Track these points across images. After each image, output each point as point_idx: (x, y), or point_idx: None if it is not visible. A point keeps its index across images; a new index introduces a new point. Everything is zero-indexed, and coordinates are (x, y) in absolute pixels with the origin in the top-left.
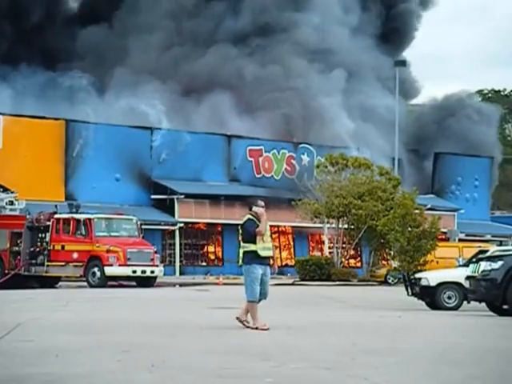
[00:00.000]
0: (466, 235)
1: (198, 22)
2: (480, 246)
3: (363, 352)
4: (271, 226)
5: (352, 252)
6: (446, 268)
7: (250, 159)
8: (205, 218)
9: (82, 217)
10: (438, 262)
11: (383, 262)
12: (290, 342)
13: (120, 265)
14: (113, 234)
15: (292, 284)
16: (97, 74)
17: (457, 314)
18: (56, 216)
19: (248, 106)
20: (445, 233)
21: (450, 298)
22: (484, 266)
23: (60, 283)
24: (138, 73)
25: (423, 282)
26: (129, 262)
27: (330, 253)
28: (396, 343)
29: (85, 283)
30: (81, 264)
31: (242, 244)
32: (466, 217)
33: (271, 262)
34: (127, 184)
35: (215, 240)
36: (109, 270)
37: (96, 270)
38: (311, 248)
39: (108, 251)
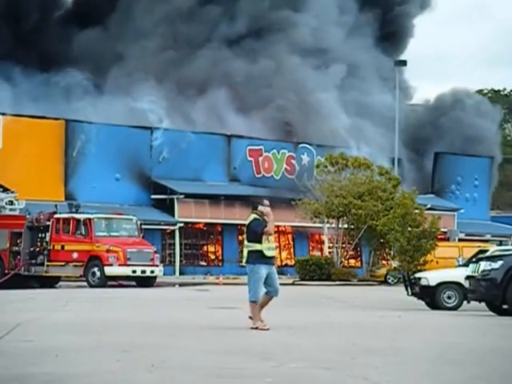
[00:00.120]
0: (466, 235)
1: (193, 26)
2: (480, 246)
3: (363, 352)
4: None
5: (352, 252)
6: (445, 268)
7: (249, 159)
8: (205, 218)
9: (81, 217)
10: (437, 262)
11: (383, 261)
12: (290, 341)
13: (120, 265)
14: (113, 233)
15: (292, 284)
16: (93, 75)
17: (457, 314)
18: (56, 216)
19: (245, 103)
20: (445, 232)
21: (449, 297)
22: (484, 265)
23: (60, 283)
24: (135, 74)
25: (423, 282)
26: (129, 262)
27: (329, 253)
28: (396, 343)
29: (85, 283)
30: (81, 264)
31: (246, 243)
32: (465, 217)
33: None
34: (127, 184)
35: (215, 240)
36: (109, 270)
37: (96, 269)
38: (311, 248)
39: (108, 251)
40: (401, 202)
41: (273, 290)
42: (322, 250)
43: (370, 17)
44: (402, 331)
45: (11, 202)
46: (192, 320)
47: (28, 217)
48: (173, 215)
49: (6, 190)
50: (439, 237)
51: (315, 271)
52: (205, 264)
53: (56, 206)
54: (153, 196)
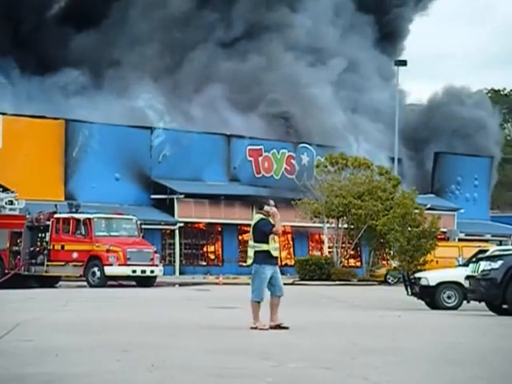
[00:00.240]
0: (466, 235)
1: (189, 31)
2: (480, 246)
3: (363, 352)
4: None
5: (352, 252)
6: (445, 268)
7: (249, 159)
8: (204, 218)
9: (81, 216)
10: (437, 262)
11: (383, 261)
12: (289, 341)
13: (120, 264)
14: (112, 233)
15: (292, 284)
16: (91, 75)
17: (456, 314)
18: (56, 216)
19: (241, 99)
20: (444, 232)
21: (449, 297)
22: (484, 265)
23: (60, 283)
24: (132, 74)
25: (423, 282)
26: (128, 262)
27: (329, 252)
28: (396, 343)
29: (85, 283)
30: (80, 264)
31: (252, 244)
32: (465, 216)
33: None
34: (127, 184)
35: (215, 240)
36: (108, 270)
37: (96, 269)
38: (311, 248)
39: (108, 251)
40: (401, 202)
41: (277, 288)
42: (321, 249)
43: (367, 18)
44: (401, 331)
45: (11, 202)
46: (192, 320)
47: (28, 217)
48: (173, 215)
49: (5, 189)
50: (439, 237)
51: (315, 271)
52: (205, 264)
53: (56, 205)
54: (153, 196)
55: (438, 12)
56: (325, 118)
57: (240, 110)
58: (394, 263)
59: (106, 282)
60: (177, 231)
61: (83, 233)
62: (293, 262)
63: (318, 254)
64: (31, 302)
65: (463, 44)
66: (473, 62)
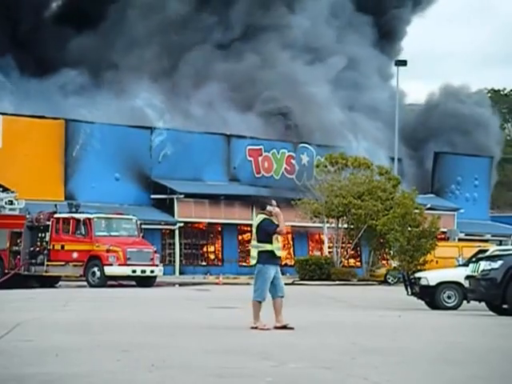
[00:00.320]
0: (466, 235)
1: (188, 34)
2: (480, 246)
3: (363, 352)
4: None
5: (352, 252)
6: (445, 268)
7: (249, 159)
8: (204, 218)
9: (81, 216)
10: (437, 262)
11: (383, 261)
12: (289, 341)
13: (120, 264)
14: (112, 233)
15: (292, 284)
16: (90, 75)
17: (456, 314)
18: (56, 216)
19: (240, 98)
20: (444, 232)
21: (449, 297)
22: (484, 265)
23: (60, 283)
24: (130, 76)
25: (423, 282)
26: (128, 262)
27: (329, 252)
28: (396, 343)
29: (85, 283)
30: (80, 264)
31: (255, 244)
32: (465, 216)
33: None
34: (127, 184)
35: (215, 240)
36: (108, 270)
37: (96, 269)
38: (311, 248)
39: (108, 251)
40: (401, 202)
41: (279, 288)
42: (321, 249)
43: (366, 19)
44: (401, 331)
45: (11, 202)
46: (192, 320)
47: (28, 216)
48: (173, 215)
49: (5, 189)
50: (439, 236)
51: (315, 271)
52: (205, 264)
53: (56, 205)
54: (153, 196)
55: (437, 12)
56: (323, 115)
57: (238, 109)
58: (394, 263)
59: (106, 281)
60: (177, 231)
61: (83, 233)
62: (293, 262)
63: (318, 253)
64: (31, 302)
65: (462, 44)
66: (472, 62)
